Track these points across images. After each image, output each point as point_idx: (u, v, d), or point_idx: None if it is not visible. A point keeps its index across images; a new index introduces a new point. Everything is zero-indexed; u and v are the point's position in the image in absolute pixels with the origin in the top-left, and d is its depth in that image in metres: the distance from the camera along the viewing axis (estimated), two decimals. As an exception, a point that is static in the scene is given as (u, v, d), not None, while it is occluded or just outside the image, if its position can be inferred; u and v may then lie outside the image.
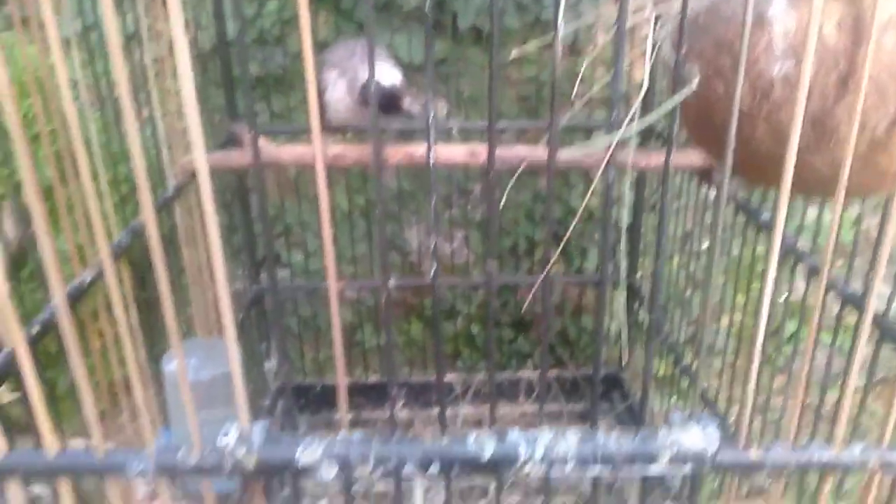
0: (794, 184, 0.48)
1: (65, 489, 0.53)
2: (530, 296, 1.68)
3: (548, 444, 0.50)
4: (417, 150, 0.99)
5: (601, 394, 1.56)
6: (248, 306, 1.36)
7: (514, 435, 0.51)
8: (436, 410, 1.51)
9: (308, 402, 1.51)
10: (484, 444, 0.50)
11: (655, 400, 1.41)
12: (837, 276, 0.77)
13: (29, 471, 0.52)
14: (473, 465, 0.50)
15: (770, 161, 0.59)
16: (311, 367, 1.62)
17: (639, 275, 1.49)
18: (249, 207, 1.44)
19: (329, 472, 0.50)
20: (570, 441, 0.51)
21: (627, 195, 1.42)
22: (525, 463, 0.50)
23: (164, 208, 0.97)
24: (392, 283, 1.45)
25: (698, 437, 0.50)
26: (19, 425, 0.69)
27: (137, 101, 1.03)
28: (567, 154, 0.94)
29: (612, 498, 1.32)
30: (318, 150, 0.45)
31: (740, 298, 1.45)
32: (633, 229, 1.42)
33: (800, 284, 0.98)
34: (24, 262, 1.14)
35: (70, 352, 0.50)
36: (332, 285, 0.48)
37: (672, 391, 1.36)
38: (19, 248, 1.12)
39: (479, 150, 0.98)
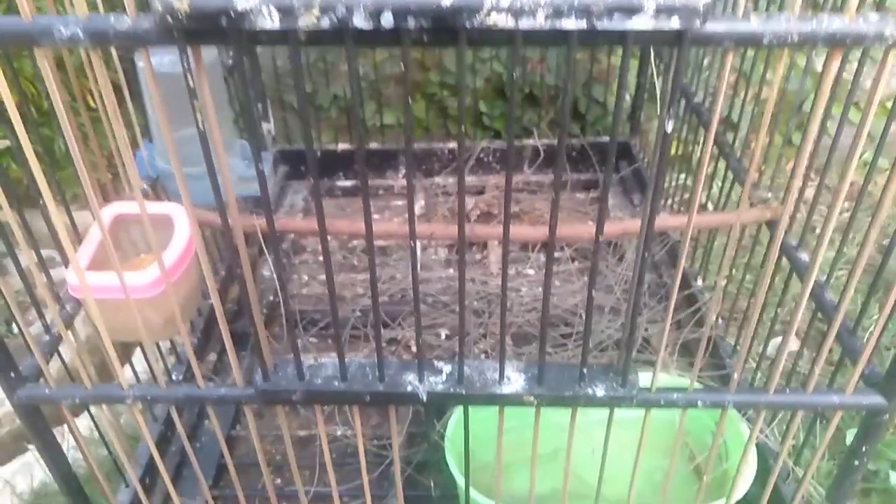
0: None
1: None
2: (540, 66, 1.59)
3: (516, -9, 0.44)
4: None
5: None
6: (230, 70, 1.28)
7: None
8: (436, 179, 1.48)
9: (308, 168, 1.48)
10: (444, -9, 0.45)
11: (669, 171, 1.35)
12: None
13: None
14: (432, 16, 0.45)
15: None
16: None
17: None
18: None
19: (272, 20, 0.45)
20: (542, -11, 0.45)
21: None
22: (491, 11, 0.45)
23: None
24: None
25: (690, -11, 0.44)
26: None
27: None
28: None
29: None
30: None
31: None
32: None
33: None
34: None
35: None
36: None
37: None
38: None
39: None
